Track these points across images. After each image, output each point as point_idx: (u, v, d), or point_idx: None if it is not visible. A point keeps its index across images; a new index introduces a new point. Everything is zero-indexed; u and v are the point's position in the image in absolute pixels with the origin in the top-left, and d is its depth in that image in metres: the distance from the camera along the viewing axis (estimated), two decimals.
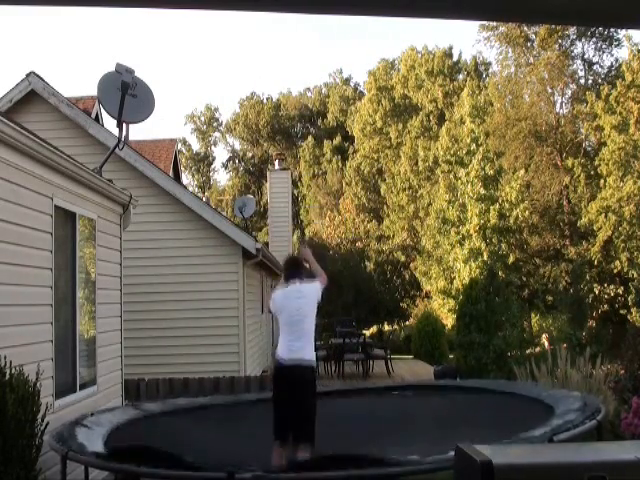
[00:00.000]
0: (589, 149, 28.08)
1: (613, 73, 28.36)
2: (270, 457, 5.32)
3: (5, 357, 4.63)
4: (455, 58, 37.43)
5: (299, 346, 5.49)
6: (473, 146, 23.06)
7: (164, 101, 65.51)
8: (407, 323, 28.52)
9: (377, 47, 70.23)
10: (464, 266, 22.14)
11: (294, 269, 5.90)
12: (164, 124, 57.28)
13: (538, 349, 19.83)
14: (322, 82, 48.89)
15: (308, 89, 49.25)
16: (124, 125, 8.27)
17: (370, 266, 28.85)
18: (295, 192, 38.72)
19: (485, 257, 21.99)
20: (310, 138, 43.38)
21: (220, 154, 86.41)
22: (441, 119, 33.11)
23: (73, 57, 69.20)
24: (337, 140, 41.99)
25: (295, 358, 5.44)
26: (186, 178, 46.28)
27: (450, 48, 37.24)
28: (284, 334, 5.62)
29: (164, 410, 6.69)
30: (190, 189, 28.55)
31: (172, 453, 4.18)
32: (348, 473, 3.90)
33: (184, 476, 4.00)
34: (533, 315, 24.79)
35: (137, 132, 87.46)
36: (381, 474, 4.03)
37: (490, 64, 36.99)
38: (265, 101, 47.48)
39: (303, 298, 5.68)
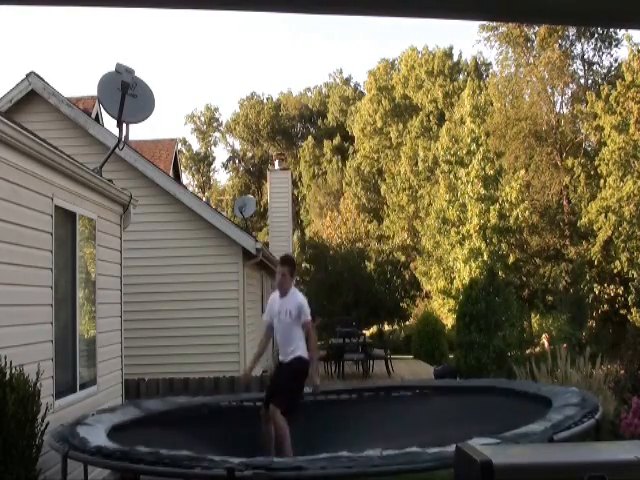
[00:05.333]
0: (589, 149, 28.07)
1: (613, 73, 28.36)
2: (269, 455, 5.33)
3: (5, 357, 4.63)
4: (455, 58, 37.43)
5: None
6: (473, 146, 23.02)
7: (164, 101, 65.49)
8: (407, 323, 28.51)
9: (377, 47, 70.26)
10: (464, 266, 22.11)
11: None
12: (164, 124, 57.32)
13: (538, 349, 19.82)
14: (322, 82, 48.97)
15: (308, 89, 49.30)
16: (124, 125, 8.26)
17: (370, 266, 28.81)
18: (295, 192, 38.68)
19: (485, 257, 21.96)
20: (310, 138, 43.35)
21: (220, 154, 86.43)
22: (441, 119, 33.09)
23: (73, 57, 69.23)
24: (337, 140, 41.96)
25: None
26: (186, 178, 46.29)
27: (450, 48, 37.27)
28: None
29: (164, 409, 6.68)
30: (190, 189, 28.54)
31: (171, 450, 4.18)
32: (347, 471, 3.90)
33: (184, 474, 3.99)
34: (533, 315, 24.77)
35: (137, 132, 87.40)
36: (380, 471, 4.03)
37: (490, 64, 37.04)
38: (265, 101, 47.48)
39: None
